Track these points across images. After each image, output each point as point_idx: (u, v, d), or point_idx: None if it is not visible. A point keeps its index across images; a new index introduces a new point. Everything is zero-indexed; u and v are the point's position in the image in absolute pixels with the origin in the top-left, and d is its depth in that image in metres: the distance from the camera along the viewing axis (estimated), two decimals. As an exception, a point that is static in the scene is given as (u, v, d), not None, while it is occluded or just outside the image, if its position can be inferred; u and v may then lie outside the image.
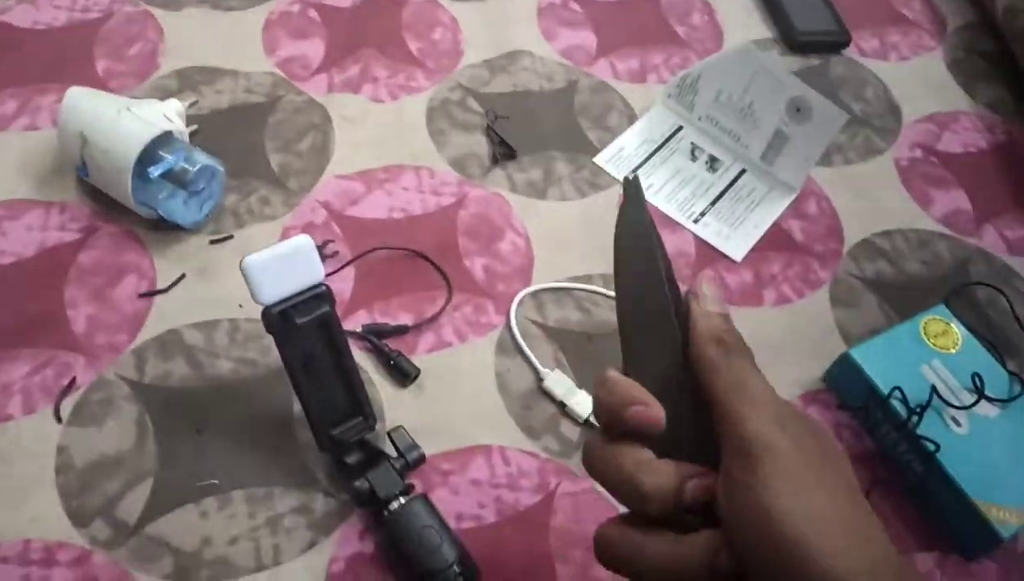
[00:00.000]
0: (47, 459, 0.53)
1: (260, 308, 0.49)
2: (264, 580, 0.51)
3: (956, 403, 0.60)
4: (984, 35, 0.97)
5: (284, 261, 0.50)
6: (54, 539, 0.50)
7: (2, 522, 0.51)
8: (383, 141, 0.74)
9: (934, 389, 0.60)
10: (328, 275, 0.62)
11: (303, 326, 0.50)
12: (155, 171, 0.60)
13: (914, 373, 0.62)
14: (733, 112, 0.77)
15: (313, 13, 0.83)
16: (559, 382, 0.61)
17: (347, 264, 0.64)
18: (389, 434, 0.55)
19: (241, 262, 0.49)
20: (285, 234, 0.66)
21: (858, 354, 0.62)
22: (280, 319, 0.50)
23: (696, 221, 0.74)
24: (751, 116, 0.75)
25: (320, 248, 0.52)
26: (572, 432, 0.60)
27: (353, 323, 0.62)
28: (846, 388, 0.64)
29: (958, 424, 0.60)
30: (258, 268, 0.49)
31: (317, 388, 0.53)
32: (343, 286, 0.64)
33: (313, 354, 0.52)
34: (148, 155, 0.60)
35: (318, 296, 0.51)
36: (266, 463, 0.55)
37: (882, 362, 0.62)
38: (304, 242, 0.51)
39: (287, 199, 0.69)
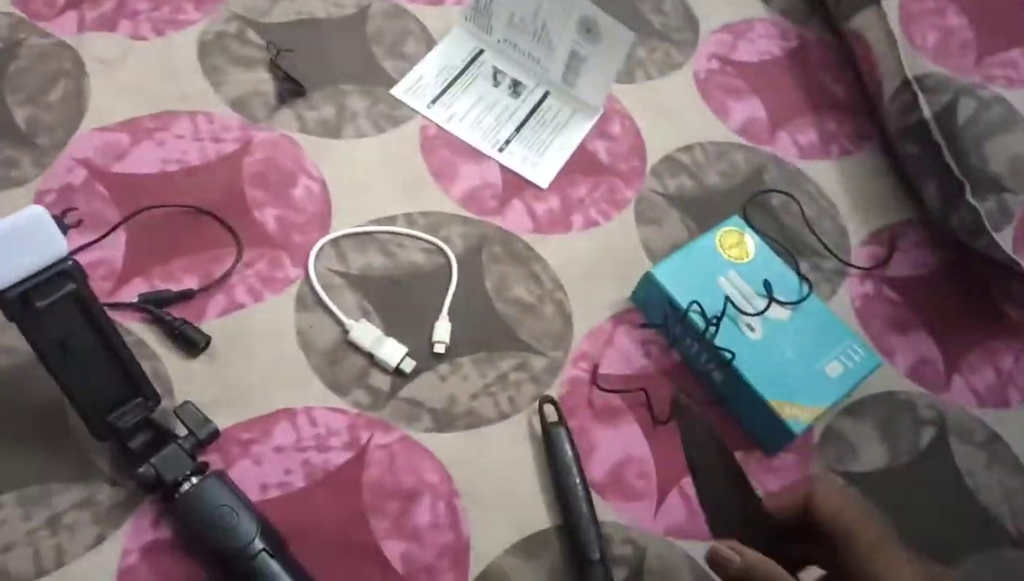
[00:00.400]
0: None
1: None
2: (46, 587, 0.46)
3: (750, 310, 0.63)
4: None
5: (14, 238, 0.44)
6: None
7: None
8: (149, 85, 0.66)
9: (728, 299, 0.62)
10: (92, 243, 0.56)
11: (46, 309, 0.44)
12: None
13: (711, 285, 0.64)
14: (528, 34, 0.74)
15: (52, -62, 0.72)
16: (366, 332, 0.59)
17: (114, 228, 0.58)
18: (176, 411, 0.50)
19: (-40, 244, 0.42)
20: (39, 198, 0.59)
21: (658, 272, 0.63)
22: (20, 303, 0.44)
23: (501, 149, 0.72)
24: (546, 38, 0.73)
25: (59, 218, 0.46)
26: (383, 382, 0.58)
27: (129, 293, 0.56)
28: (651, 306, 0.65)
29: (752, 330, 0.63)
30: (-18, 249, 0.42)
31: (80, 374, 0.48)
32: (113, 254, 0.58)
33: (69, 336, 0.47)
34: None
35: (62, 273, 0.45)
36: (39, 458, 0.50)
37: (681, 278, 0.64)
38: (36, 214, 0.44)
39: (38, 159, 0.60)
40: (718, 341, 0.61)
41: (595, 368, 0.62)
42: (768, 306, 0.63)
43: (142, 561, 0.48)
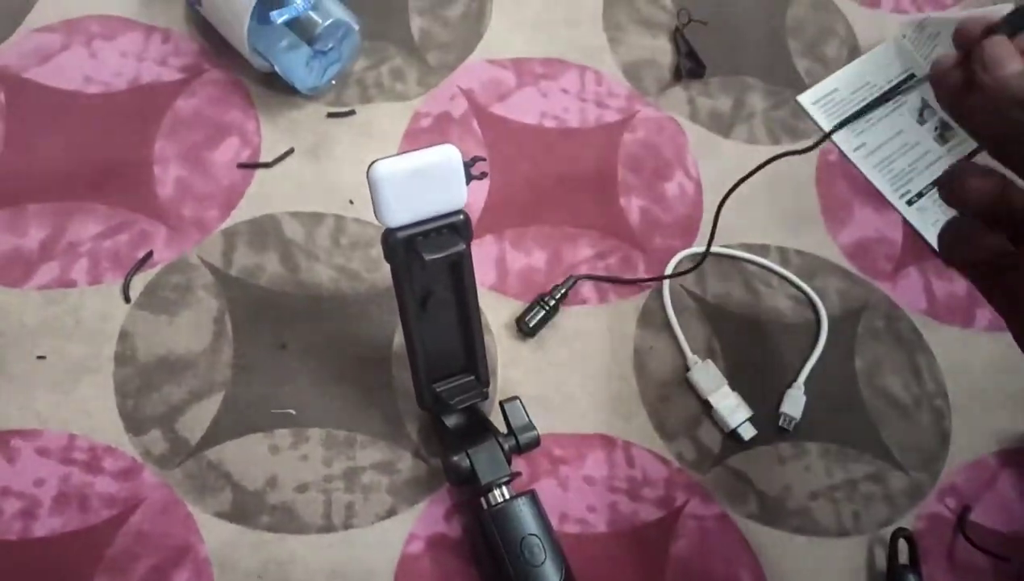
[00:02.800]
0: (107, 342, 0.46)
1: (372, 204, 0.39)
2: (331, 544, 0.43)
3: None
4: None
5: (422, 176, 0.39)
6: (102, 441, 0.43)
7: (47, 404, 0.44)
8: (548, 25, 0.60)
9: None
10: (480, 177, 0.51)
11: (431, 263, 0.39)
12: (278, 16, 0.48)
13: None
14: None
15: None
16: (709, 376, 0.50)
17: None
18: (502, 404, 0.45)
19: (369, 168, 0.38)
20: (415, 120, 0.55)
21: (1095, 428, 0.49)
22: (404, 248, 0.39)
23: (911, 202, 0.59)
24: None
25: (468, 165, 0.40)
26: (714, 440, 0.49)
27: (478, 250, 0.51)
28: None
29: None
30: (390, 180, 0.38)
31: (430, 332, 0.43)
32: (474, 199, 0.53)
33: (434, 291, 0.42)
34: (273, -6, 0.49)
35: (454, 226, 0.40)
36: (353, 402, 0.46)
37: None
38: (451, 156, 0.39)
39: (423, 77, 0.56)
40: None
41: (965, 511, 0.50)
42: None
43: (426, 552, 0.44)
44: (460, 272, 0.42)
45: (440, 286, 0.42)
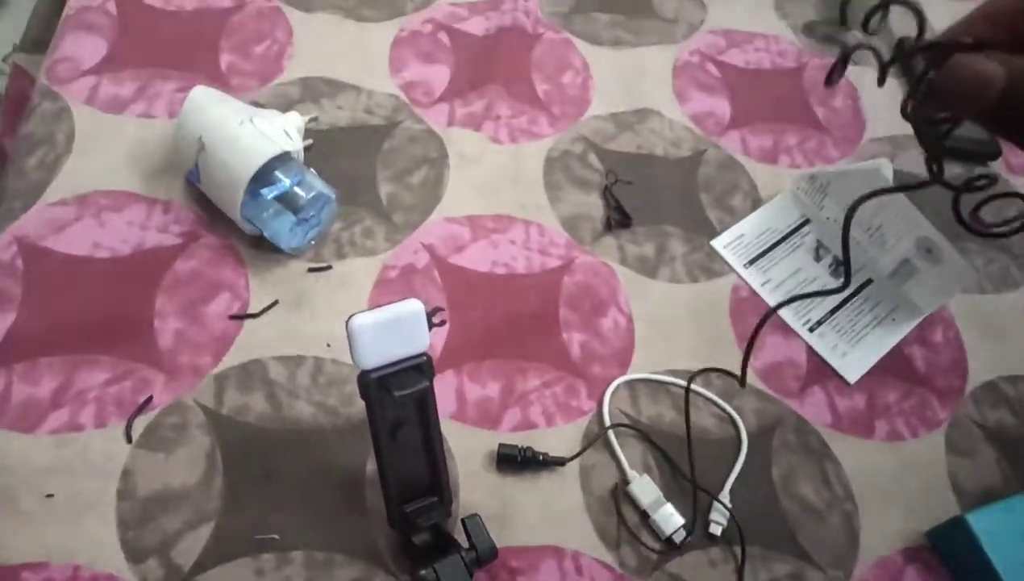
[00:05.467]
0: (111, 480, 0.51)
1: (347, 349, 0.46)
2: (311, 658, 0.48)
3: (1078, 599, 0.54)
4: None
5: (392, 326, 0.47)
6: (104, 571, 0.48)
7: (54, 537, 0.49)
8: (496, 187, 0.70)
9: (1057, 580, 0.54)
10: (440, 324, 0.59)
11: (400, 399, 0.46)
12: (269, 193, 0.57)
13: (1034, 555, 0.56)
14: (862, 227, 0.71)
15: (444, 37, 0.80)
16: (647, 489, 0.57)
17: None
18: (464, 522, 0.51)
19: (348, 321, 0.45)
20: (384, 272, 0.63)
21: (975, 522, 0.56)
22: (377, 386, 0.47)
23: (812, 330, 0.69)
24: (879, 237, 0.70)
25: (429, 315, 0.48)
26: (651, 548, 0.56)
27: (440, 383, 0.59)
28: (954, 554, 0.58)
29: (1077, 624, 0.54)
30: (365, 330, 0.46)
31: (400, 459, 0.50)
32: (437, 340, 0.61)
33: (403, 423, 0.49)
34: (264, 173, 0.58)
35: (419, 367, 0.48)
36: (331, 525, 0.52)
37: (999, 535, 0.56)
38: (415, 309, 0.47)
39: (391, 234, 0.66)
40: (1034, 625, 0.53)
41: (873, 603, 0.56)
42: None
43: (398, 661, 0.48)
44: (425, 406, 0.49)
45: (408, 418, 0.49)
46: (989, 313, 0.73)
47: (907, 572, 0.58)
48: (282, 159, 0.59)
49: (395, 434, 0.49)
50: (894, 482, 0.62)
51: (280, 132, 0.60)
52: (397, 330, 0.47)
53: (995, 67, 0.28)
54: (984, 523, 0.57)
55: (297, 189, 0.58)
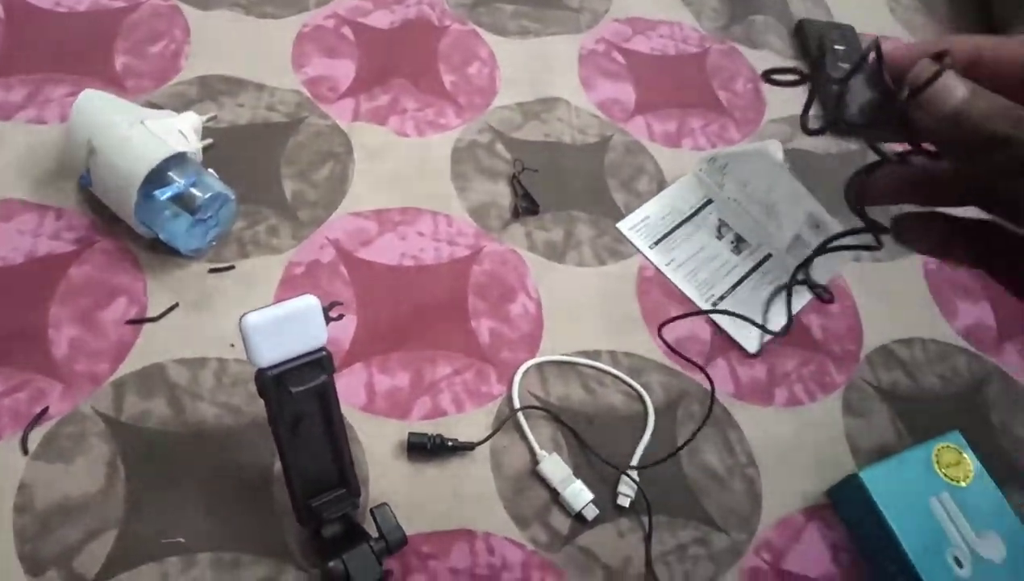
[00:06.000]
0: (6, 494, 0.50)
1: None
2: (221, 656, 0.48)
3: (961, 543, 0.58)
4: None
5: (287, 322, 0.47)
6: (2, 585, 0.47)
7: (-49, 556, 0.48)
8: (403, 179, 0.71)
9: (941, 527, 0.58)
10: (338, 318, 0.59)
11: (298, 395, 0.47)
12: (162, 194, 0.57)
13: (921, 504, 0.59)
14: (758, 204, 0.74)
15: (348, 31, 0.79)
16: (556, 468, 0.59)
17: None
18: (372, 512, 0.52)
19: (240, 320, 0.45)
20: (289, 270, 0.63)
21: (868, 478, 0.60)
22: (274, 384, 0.47)
23: (714, 305, 0.71)
24: (775, 214, 0.73)
25: (326, 310, 0.49)
26: (562, 524, 0.57)
27: (351, 377, 0.59)
28: (849, 509, 0.61)
29: (960, 566, 0.57)
30: (258, 328, 0.46)
31: (303, 454, 0.50)
32: (343, 334, 0.61)
33: (303, 418, 0.49)
34: (157, 175, 0.57)
35: (317, 362, 0.48)
36: (238, 525, 0.52)
37: (890, 489, 0.59)
38: (311, 304, 0.47)
39: (296, 231, 0.65)
40: (921, 571, 0.56)
41: (778, 563, 0.59)
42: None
43: (311, 653, 0.49)
44: (326, 400, 0.50)
45: (309, 413, 0.50)
46: (883, 280, 0.77)
47: (808, 529, 0.61)
48: (177, 160, 0.58)
49: (296, 430, 0.49)
50: (794, 446, 0.65)
51: (174, 133, 0.60)
52: (293, 326, 0.47)
53: (964, 84, 0.29)
54: (876, 479, 0.60)
55: (193, 190, 0.58)
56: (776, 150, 0.71)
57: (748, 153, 0.74)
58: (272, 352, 0.47)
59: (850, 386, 0.69)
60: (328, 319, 0.49)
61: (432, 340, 0.63)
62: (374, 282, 0.64)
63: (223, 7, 0.77)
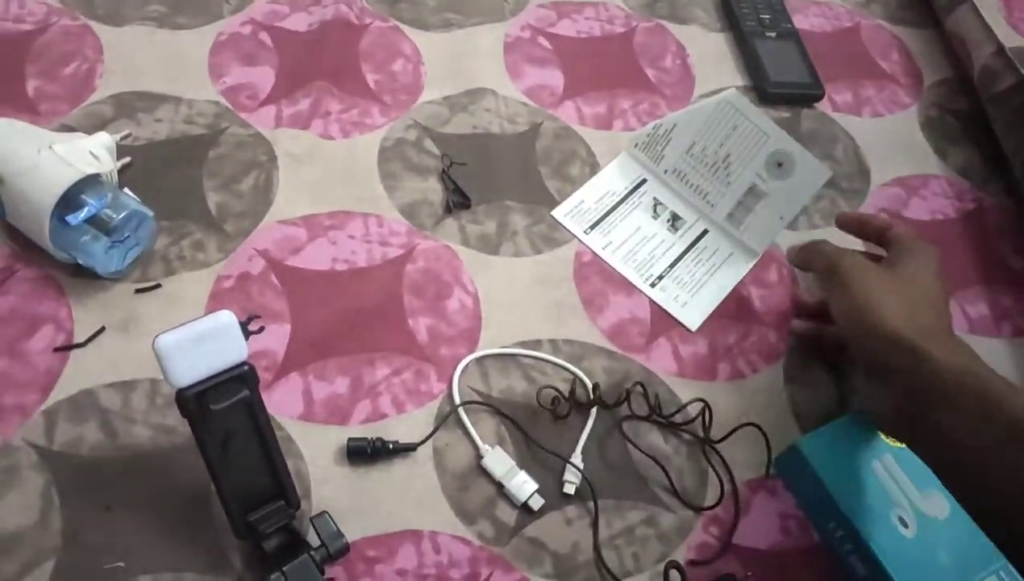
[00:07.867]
0: (-64, 536, 0.49)
1: None
2: (166, 679, 0.47)
3: (906, 504, 0.59)
4: (959, 93, 0.95)
5: (202, 340, 0.46)
6: (-64, 629, 0.47)
7: None
8: (331, 183, 0.70)
9: (885, 489, 0.58)
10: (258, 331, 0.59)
11: (219, 412, 0.46)
12: (75, 219, 0.56)
13: (864, 469, 0.60)
14: (704, 167, 0.74)
15: (265, 36, 0.78)
16: (499, 461, 0.59)
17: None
18: (312, 520, 0.51)
19: (153, 342, 0.45)
20: (218, 283, 0.63)
21: (806, 446, 0.60)
22: (195, 403, 0.47)
23: (653, 285, 0.71)
24: (724, 171, 0.73)
25: (244, 324, 0.48)
26: (509, 516, 0.57)
27: (287, 387, 0.59)
28: (794, 478, 0.62)
29: (905, 525, 0.58)
30: (172, 348, 0.45)
31: (235, 471, 0.49)
32: (277, 345, 0.60)
33: (232, 435, 0.49)
34: (70, 199, 0.56)
35: (239, 377, 0.48)
36: (178, 545, 0.52)
37: (831, 456, 0.60)
38: (226, 319, 0.47)
39: (223, 244, 0.65)
40: (866, 533, 0.57)
41: (727, 537, 0.59)
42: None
43: (258, 668, 0.49)
44: (253, 413, 0.49)
45: (237, 429, 0.49)
46: (820, 247, 0.77)
47: (755, 501, 0.61)
48: (89, 182, 0.57)
49: (226, 446, 0.49)
50: (739, 419, 0.65)
51: (84, 155, 0.59)
52: (209, 343, 0.47)
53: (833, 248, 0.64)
54: (817, 447, 0.60)
55: (107, 211, 0.57)
56: (737, 99, 0.71)
57: (705, 107, 0.73)
58: (190, 371, 0.46)
59: (791, 355, 0.70)
60: (248, 333, 0.48)
61: (370, 343, 0.63)
62: (307, 289, 0.64)
63: (135, 22, 0.76)
